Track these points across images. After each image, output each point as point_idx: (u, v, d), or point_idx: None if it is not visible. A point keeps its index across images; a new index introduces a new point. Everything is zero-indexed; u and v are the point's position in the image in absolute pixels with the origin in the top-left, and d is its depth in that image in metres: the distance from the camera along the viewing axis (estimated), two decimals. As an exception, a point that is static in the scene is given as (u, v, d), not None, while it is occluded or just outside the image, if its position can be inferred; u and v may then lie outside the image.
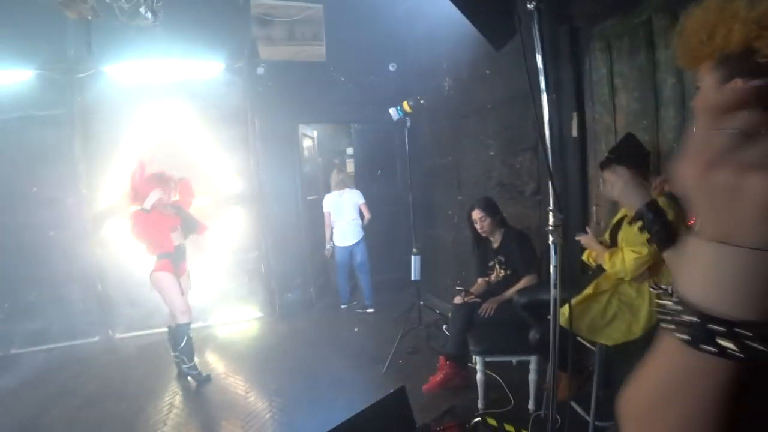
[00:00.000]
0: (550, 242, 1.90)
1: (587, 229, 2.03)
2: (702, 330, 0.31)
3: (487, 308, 2.55)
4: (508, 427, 2.23)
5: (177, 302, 3.03)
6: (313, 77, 4.39)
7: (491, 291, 2.73)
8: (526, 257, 2.64)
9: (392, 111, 3.38)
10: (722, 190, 0.30)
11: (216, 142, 4.31)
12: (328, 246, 4.36)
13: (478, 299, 2.68)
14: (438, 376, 2.60)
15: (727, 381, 0.31)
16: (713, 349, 0.30)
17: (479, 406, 2.39)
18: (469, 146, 3.64)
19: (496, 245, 2.74)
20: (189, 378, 3.06)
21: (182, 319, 3.03)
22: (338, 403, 2.57)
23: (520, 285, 2.58)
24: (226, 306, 4.41)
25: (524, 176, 3.08)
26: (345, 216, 4.30)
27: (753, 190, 0.29)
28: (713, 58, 0.60)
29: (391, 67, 4.23)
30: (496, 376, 2.59)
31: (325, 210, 4.32)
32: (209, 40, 4.02)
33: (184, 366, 3.06)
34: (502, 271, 2.72)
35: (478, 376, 2.40)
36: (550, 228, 1.97)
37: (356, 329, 3.85)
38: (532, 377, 2.33)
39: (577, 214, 2.62)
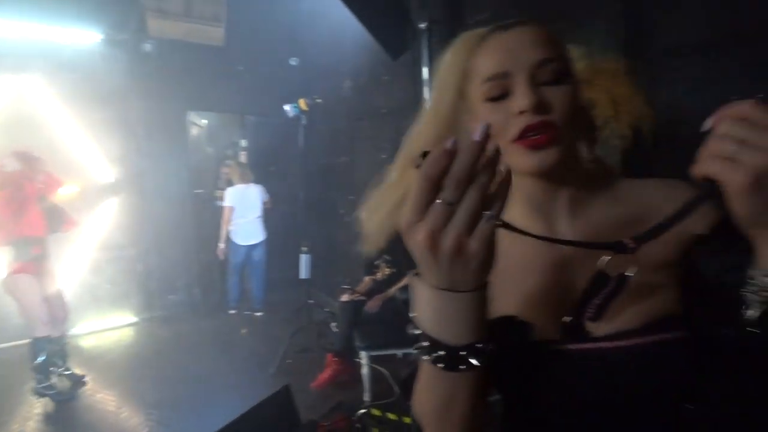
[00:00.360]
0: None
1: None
2: (452, 358, 0.43)
3: (373, 305, 2.67)
4: (391, 416, 2.36)
5: (37, 311, 2.60)
6: (208, 62, 4.09)
7: (377, 288, 2.87)
8: (409, 256, 2.80)
9: (287, 108, 3.34)
10: (445, 253, 0.38)
11: (88, 123, 3.76)
12: (222, 245, 4.06)
13: (363, 297, 2.79)
14: (326, 373, 2.66)
15: (475, 379, 0.46)
16: (463, 367, 0.43)
17: (365, 399, 2.49)
18: (364, 148, 3.76)
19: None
20: (46, 399, 2.63)
21: (42, 332, 2.61)
22: (223, 409, 2.44)
23: (403, 282, 2.75)
24: (95, 311, 3.87)
25: (414, 182, 3.30)
26: (251, 212, 4.07)
27: (472, 249, 0.38)
28: None
29: (293, 62, 4.14)
30: (382, 369, 2.72)
31: (227, 204, 3.99)
32: (85, 3, 3.50)
33: (40, 385, 2.62)
34: (387, 269, 2.87)
35: (364, 370, 2.51)
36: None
37: (244, 331, 3.70)
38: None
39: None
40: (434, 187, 0.37)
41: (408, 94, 3.24)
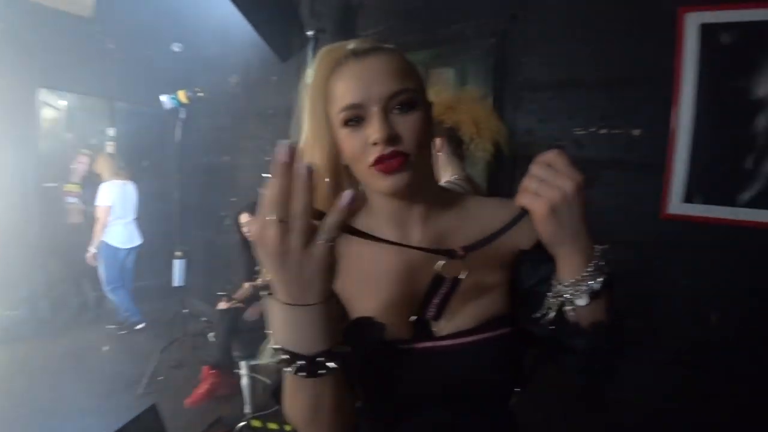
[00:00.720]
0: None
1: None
2: (311, 365, 0.47)
3: (253, 312, 2.57)
4: (271, 425, 2.31)
5: None
6: (70, 34, 3.49)
7: (257, 295, 2.75)
8: None
9: (164, 99, 3.03)
10: (293, 266, 0.42)
11: None
12: (94, 249, 3.51)
13: (241, 304, 2.65)
14: (202, 388, 2.49)
15: (335, 382, 0.51)
16: (323, 372, 0.48)
17: (246, 411, 2.39)
18: (248, 148, 3.60)
19: None
20: None
21: None
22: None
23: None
24: None
25: (298, 184, 3.26)
26: (131, 212, 3.64)
27: (311, 265, 0.43)
28: None
29: (176, 48, 3.75)
30: (263, 378, 2.64)
31: (104, 204, 3.47)
32: None
33: None
34: (268, 275, 2.77)
35: (244, 381, 2.41)
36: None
37: (106, 348, 3.24)
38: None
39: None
40: (276, 203, 0.41)
41: (293, 97, 3.20)
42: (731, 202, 1.84)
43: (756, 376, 1.80)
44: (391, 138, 0.58)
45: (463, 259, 0.59)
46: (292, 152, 0.41)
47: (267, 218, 0.41)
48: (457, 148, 1.70)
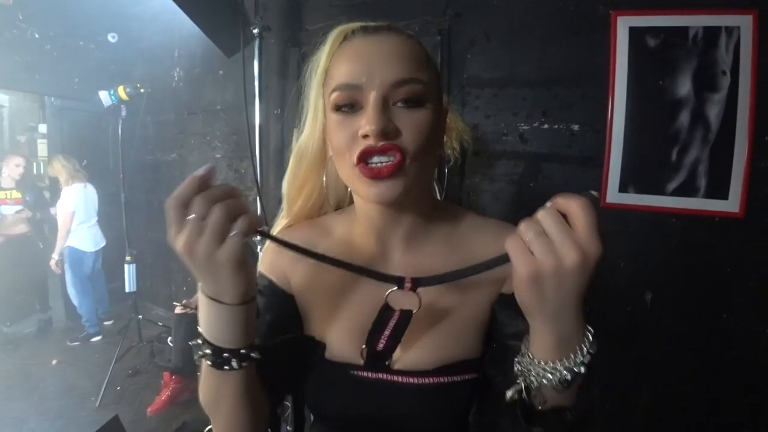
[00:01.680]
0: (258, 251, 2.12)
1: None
2: (217, 358, 0.49)
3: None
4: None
5: None
6: None
7: None
8: None
9: (103, 95, 2.84)
10: (198, 259, 0.44)
11: None
12: (57, 256, 3.26)
13: (196, 310, 2.60)
14: (164, 394, 2.44)
15: (241, 379, 0.50)
16: (227, 368, 0.49)
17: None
18: (196, 145, 3.47)
19: None
20: None
21: None
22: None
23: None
24: None
25: (248, 182, 3.20)
26: (93, 215, 3.45)
27: (222, 261, 0.43)
28: None
29: (111, 38, 3.50)
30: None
31: (68, 209, 3.26)
32: None
33: None
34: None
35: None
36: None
37: (55, 362, 3.03)
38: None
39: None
40: (183, 205, 0.43)
41: (242, 92, 3.11)
42: (659, 191, 2.03)
43: (682, 342, 2.03)
44: (387, 132, 0.48)
45: (414, 290, 0.52)
46: (209, 173, 0.44)
47: (189, 216, 0.43)
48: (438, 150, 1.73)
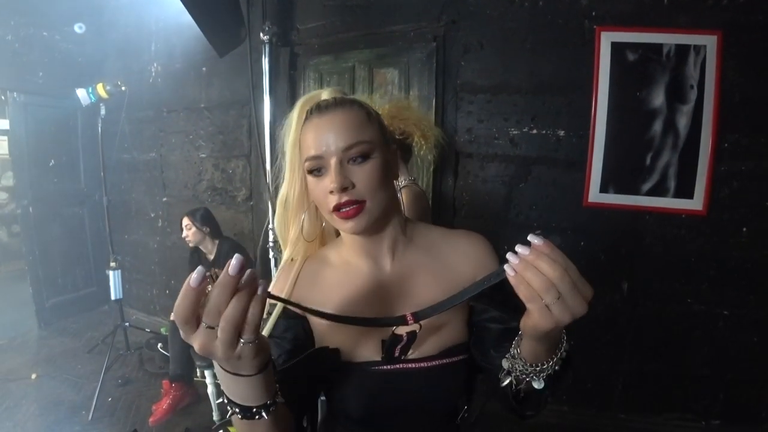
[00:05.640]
0: (270, 257, 2.17)
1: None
2: (245, 413, 0.53)
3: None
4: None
5: None
6: None
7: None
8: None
9: (81, 93, 2.67)
10: (218, 359, 0.47)
11: None
12: None
13: None
14: (164, 402, 2.39)
15: (272, 419, 0.53)
16: (258, 418, 0.53)
17: (215, 418, 2.37)
18: (177, 144, 3.34)
19: (211, 256, 2.63)
20: None
21: None
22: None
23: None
24: None
25: (237, 182, 3.16)
26: None
27: (238, 360, 0.47)
28: None
29: (78, 29, 3.27)
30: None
31: None
32: None
33: None
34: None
35: (209, 389, 2.37)
36: (270, 245, 2.25)
37: (34, 376, 2.83)
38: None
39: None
40: (189, 320, 0.43)
41: (231, 91, 3.06)
42: (635, 192, 2.26)
43: (655, 325, 2.29)
44: (345, 187, 0.65)
45: (415, 323, 0.64)
46: (242, 266, 0.43)
47: (204, 325, 0.44)
48: (405, 153, 1.79)
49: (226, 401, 0.53)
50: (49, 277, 3.49)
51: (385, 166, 0.69)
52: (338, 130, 0.65)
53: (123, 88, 2.78)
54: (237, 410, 0.52)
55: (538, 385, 0.59)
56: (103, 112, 2.80)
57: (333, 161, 0.65)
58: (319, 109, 0.68)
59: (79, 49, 3.36)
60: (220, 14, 2.26)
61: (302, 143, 0.69)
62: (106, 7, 3.27)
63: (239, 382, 0.49)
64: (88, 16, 3.27)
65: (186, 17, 2.13)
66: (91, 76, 2.84)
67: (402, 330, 0.66)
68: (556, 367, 0.57)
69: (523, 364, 0.58)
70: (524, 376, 0.58)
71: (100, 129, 2.83)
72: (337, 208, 0.66)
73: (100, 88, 2.69)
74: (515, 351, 0.59)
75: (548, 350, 0.56)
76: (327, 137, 0.66)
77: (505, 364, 0.60)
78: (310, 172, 0.68)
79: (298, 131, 0.70)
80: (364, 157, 0.66)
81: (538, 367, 0.57)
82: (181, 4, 2.01)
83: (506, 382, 0.61)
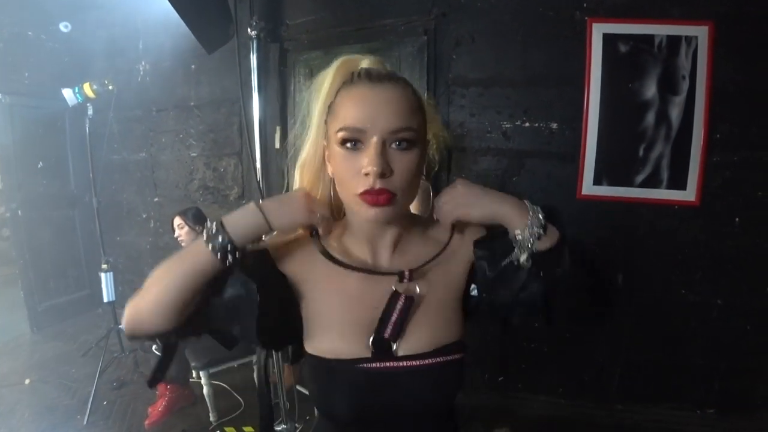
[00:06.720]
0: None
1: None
2: (225, 249, 0.60)
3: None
4: (247, 429, 2.32)
5: None
6: None
7: None
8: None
9: (68, 93, 2.62)
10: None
11: None
12: None
13: None
14: (159, 405, 2.37)
15: (206, 278, 0.61)
16: (228, 259, 0.61)
17: (212, 419, 2.35)
18: (167, 143, 3.30)
19: None
20: None
21: None
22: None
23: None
24: None
25: (228, 181, 3.13)
26: None
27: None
28: None
29: (64, 28, 3.20)
30: (222, 384, 2.60)
31: None
32: None
33: None
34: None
35: (205, 390, 2.35)
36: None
37: (28, 381, 2.79)
38: (255, 375, 2.46)
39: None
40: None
41: (221, 89, 3.03)
42: (629, 184, 2.26)
43: (650, 315, 2.30)
44: (384, 173, 0.59)
45: (411, 279, 0.67)
46: None
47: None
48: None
49: (213, 231, 0.60)
50: (40, 281, 3.44)
51: (423, 160, 0.65)
52: (390, 109, 0.59)
53: (111, 88, 2.73)
54: (220, 239, 0.59)
55: (537, 233, 0.63)
56: (90, 112, 2.75)
57: (375, 140, 0.59)
58: (370, 77, 0.61)
59: (66, 49, 3.29)
60: (207, 10, 2.23)
61: (338, 109, 0.61)
62: (92, 6, 3.20)
63: (257, 229, 0.62)
64: (74, 14, 3.21)
65: (173, 14, 2.11)
66: (78, 75, 2.79)
67: (404, 289, 0.66)
68: (542, 223, 0.63)
69: (515, 235, 0.64)
70: (523, 241, 0.64)
71: (87, 129, 2.78)
72: (367, 193, 0.60)
73: (87, 87, 2.64)
74: (510, 237, 0.65)
75: (516, 213, 0.64)
76: (375, 111, 0.59)
77: (515, 244, 0.65)
78: (343, 143, 0.60)
79: (332, 95, 0.63)
80: (409, 144, 0.60)
81: (525, 231, 0.63)
82: (167, 2, 1.99)
83: (524, 257, 0.64)
